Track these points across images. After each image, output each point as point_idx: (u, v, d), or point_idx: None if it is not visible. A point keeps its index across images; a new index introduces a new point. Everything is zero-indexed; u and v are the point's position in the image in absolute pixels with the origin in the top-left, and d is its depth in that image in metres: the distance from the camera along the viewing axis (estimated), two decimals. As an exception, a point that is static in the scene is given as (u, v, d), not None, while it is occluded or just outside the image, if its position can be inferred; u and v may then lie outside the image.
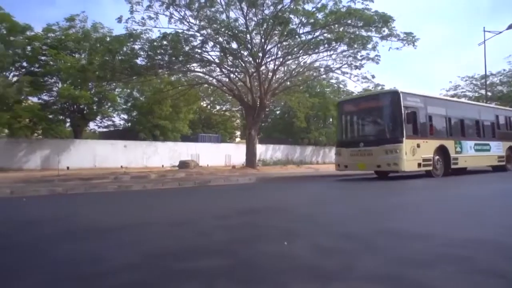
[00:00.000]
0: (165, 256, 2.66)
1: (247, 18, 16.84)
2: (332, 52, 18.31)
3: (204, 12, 16.40)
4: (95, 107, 25.18)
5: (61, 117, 24.73)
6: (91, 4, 34.70)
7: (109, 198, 7.78)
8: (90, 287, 2.08)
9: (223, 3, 16.43)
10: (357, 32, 16.56)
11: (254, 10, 16.61)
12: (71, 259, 2.66)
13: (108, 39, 18.93)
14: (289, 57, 19.13)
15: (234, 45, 17.30)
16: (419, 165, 10.68)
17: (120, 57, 17.15)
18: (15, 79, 21.90)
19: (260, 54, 17.69)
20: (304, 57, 19.55)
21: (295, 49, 18.13)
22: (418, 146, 10.65)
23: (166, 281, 2.13)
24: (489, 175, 12.88)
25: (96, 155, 24.04)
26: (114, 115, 28.47)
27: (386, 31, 16.24)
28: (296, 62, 20.68)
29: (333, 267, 2.29)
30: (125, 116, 29.65)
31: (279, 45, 17.89)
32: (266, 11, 16.56)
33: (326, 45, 17.41)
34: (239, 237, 3.28)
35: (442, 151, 11.48)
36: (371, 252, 2.59)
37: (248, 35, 17.12)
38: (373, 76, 19.18)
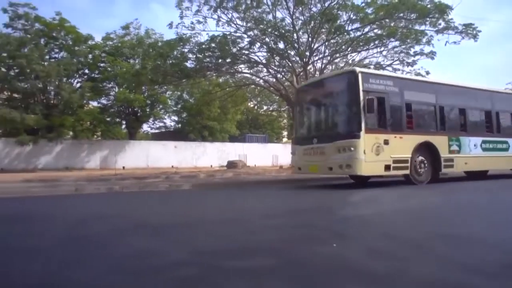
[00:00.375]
0: (216, 254, 2.68)
1: (294, 17, 16.73)
2: (382, 49, 17.62)
3: (250, 14, 16.55)
4: (148, 110, 26.49)
5: (118, 119, 26.33)
6: (144, 12, 36.68)
7: (161, 196, 8.09)
8: (145, 280, 2.15)
9: (269, 3, 16.47)
10: (410, 27, 15.73)
11: (300, 8, 16.45)
12: (128, 253, 2.77)
13: (159, 44, 19.82)
14: (337, 55, 18.70)
15: (281, 45, 17.28)
16: (388, 167, 8.06)
17: (171, 61, 17.85)
18: (78, 85, 23.72)
19: (307, 53, 17.47)
20: (353, 54, 19.02)
21: (343, 46, 17.68)
22: (386, 142, 8.01)
23: (217, 278, 2.15)
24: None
25: (149, 155, 25.25)
26: (165, 116, 29.76)
27: (442, 23, 15.25)
28: (344, 60, 20.16)
29: (384, 271, 2.15)
30: (176, 118, 30.87)
31: (326, 43, 17.55)
32: (313, 9, 16.32)
33: (376, 42, 16.76)
34: (289, 237, 3.22)
35: (428, 150, 8.79)
36: None
37: (295, 34, 16.99)
38: (427, 73, 18.15)
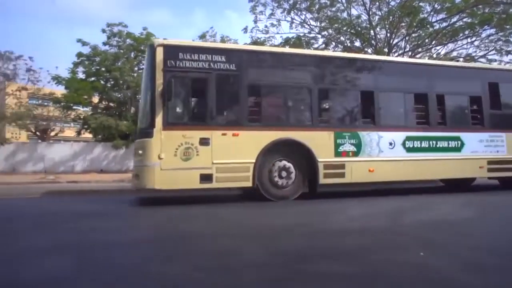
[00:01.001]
0: (293, 256, 2.68)
1: (370, 13, 15.99)
2: (474, 39, 15.87)
3: (324, 13, 16.26)
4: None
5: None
6: (219, 19, 38.59)
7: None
8: (226, 277, 2.22)
9: (343, 1, 15.99)
10: (511, 11, 13.92)
11: (377, 3, 15.66)
12: (208, 251, 2.90)
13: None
14: (419, 49, 17.36)
15: (357, 43, 16.66)
16: (207, 178, 5.78)
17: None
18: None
19: (386, 50, 16.54)
20: (438, 47, 17.47)
21: (426, 40, 16.37)
22: (205, 142, 5.79)
23: (293, 280, 2.15)
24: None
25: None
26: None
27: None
28: (427, 54, 18.63)
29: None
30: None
31: (407, 37, 16.44)
32: (392, 3, 15.42)
33: (466, 32, 15.17)
34: (368, 244, 3.10)
35: (298, 151, 6.31)
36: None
37: (372, 31, 16.24)
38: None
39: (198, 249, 2.95)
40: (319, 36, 16.55)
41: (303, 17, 16.73)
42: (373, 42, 16.50)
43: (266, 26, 17.24)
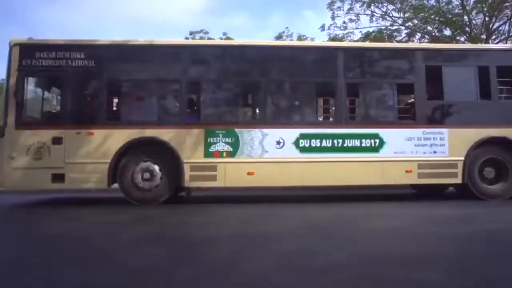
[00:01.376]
0: (379, 261, 2.54)
1: (464, -3, 14.35)
2: None
3: (408, 3, 15.11)
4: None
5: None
6: (296, 19, 38.10)
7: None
8: (305, 278, 2.17)
9: (431, -13, 14.65)
10: None
11: (473, -15, 13.99)
12: (291, 251, 2.83)
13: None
14: (527, 32, 15.03)
15: (447, 32, 15.13)
16: (59, 177, 5.55)
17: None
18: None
19: (483, 36, 14.70)
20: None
21: (537, 20, 14.08)
22: (57, 141, 5.55)
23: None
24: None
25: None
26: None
27: None
28: (539, 36, 16.02)
29: None
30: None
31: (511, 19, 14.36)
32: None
33: None
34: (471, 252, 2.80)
35: (161, 152, 5.72)
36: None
37: (465, 17, 14.57)
38: None
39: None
40: (403, 28, 15.43)
41: (384, 9, 15.86)
42: (467, 29, 14.80)
43: (344, 22, 16.70)
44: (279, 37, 20.02)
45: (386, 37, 15.73)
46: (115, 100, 6.23)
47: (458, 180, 5.97)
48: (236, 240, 3.26)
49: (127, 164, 5.67)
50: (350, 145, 5.91)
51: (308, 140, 5.86)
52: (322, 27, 17.41)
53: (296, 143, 5.84)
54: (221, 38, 20.82)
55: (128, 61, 6.11)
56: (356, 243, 3.13)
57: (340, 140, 5.90)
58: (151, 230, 3.93)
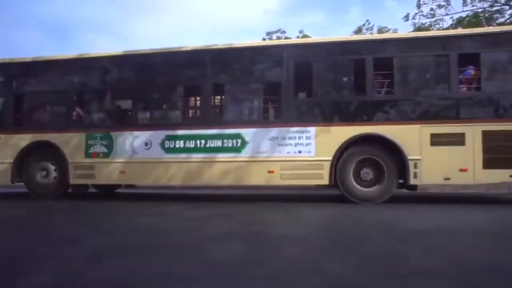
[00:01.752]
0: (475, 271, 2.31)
1: None
2: None
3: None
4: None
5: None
6: (376, 12, 37.87)
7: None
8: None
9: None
10: None
11: None
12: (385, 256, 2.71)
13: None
14: None
15: None
16: None
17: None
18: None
19: None
20: None
21: None
22: None
23: None
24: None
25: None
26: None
27: None
28: None
29: None
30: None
31: None
32: None
33: None
34: None
35: (54, 153, 6.64)
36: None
37: None
38: None
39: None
40: (506, 7, 15.08)
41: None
42: None
43: (431, 9, 16.35)
44: (358, 30, 19.77)
45: (484, 20, 15.47)
46: (20, 109, 7.13)
47: (325, 181, 5.75)
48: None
49: (29, 164, 6.73)
50: (212, 145, 6.13)
51: (173, 142, 6.25)
52: (406, 17, 17.07)
53: (162, 144, 6.30)
54: (298, 37, 20.67)
55: (31, 76, 7.11)
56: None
57: (203, 141, 6.16)
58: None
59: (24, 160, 6.70)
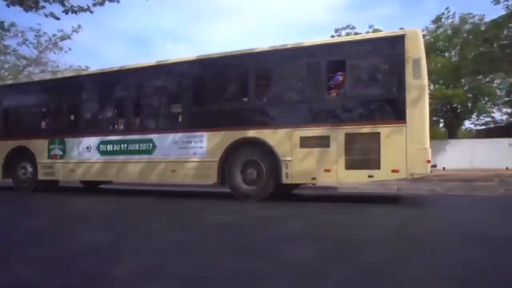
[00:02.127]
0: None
1: None
2: None
3: None
4: (469, 104, 23.49)
5: (435, 118, 25.06)
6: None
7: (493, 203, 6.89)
8: None
9: None
10: None
11: None
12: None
13: (483, 27, 17.03)
14: None
15: None
16: None
17: (499, 43, 14.95)
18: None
19: None
20: None
21: None
22: None
23: None
24: None
25: (473, 155, 22.22)
26: (494, 110, 25.24)
27: None
28: None
29: None
30: (509, 110, 25.53)
31: None
32: None
33: None
34: None
35: (28, 155, 8.33)
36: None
37: None
38: None
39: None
40: None
41: None
42: None
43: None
44: (437, 19, 17.57)
45: None
46: (6, 122, 9.01)
47: (214, 180, 6.52)
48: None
49: (13, 164, 8.51)
50: (132, 148, 7.35)
51: (105, 145, 7.62)
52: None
53: (98, 147, 7.70)
54: (368, 32, 19.85)
55: (12, 98, 9.02)
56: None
57: (125, 145, 7.42)
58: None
59: (10, 161, 8.55)
